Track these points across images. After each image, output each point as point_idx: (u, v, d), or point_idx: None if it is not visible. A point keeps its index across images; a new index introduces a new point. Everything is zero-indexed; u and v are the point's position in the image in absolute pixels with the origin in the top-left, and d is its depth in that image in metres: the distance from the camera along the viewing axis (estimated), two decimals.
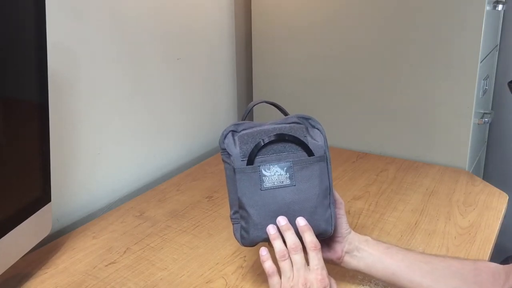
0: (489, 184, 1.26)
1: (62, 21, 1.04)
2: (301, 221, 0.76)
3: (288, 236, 0.75)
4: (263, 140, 0.76)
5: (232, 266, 0.95)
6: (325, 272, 0.74)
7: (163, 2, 1.30)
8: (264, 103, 0.84)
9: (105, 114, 1.18)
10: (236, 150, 0.77)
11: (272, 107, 0.86)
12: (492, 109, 1.70)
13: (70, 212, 1.13)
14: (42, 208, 0.88)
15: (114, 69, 1.19)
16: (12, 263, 0.83)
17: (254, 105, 0.83)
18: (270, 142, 0.76)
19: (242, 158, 0.76)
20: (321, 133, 0.80)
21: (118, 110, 1.22)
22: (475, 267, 0.77)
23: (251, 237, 0.78)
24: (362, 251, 0.81)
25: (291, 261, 0.74)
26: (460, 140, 1.35)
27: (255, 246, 1.00)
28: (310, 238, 0.74)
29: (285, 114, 0.85)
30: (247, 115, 0.83)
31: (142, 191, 1.27)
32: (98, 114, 1.16)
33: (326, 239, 0.81)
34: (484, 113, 1.51)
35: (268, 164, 0.76)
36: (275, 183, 0.76)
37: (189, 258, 0.97)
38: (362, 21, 1.40)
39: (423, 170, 1.35)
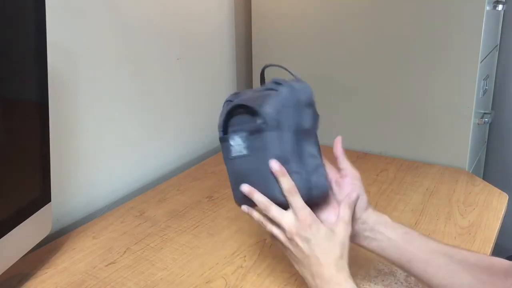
0: (489, 184, 1.26)
1: (62, 21, 1.04)
2: (274, 165, 0.73)
3: (256, 199, 0.76)
4: (222, 112, 0.80)
5: (232, 266, 0.95)
6: (306, 211, 0.73)
7: (163, 2, 1.30)
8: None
9: (105, 114, 1.18)
10: (220, 121, 0.81)
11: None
12: (492, 109, 1.70)
13: (70, 212, 1.13)
14: (42, 208, 0.88)
15: (114, 69, 1.19)
16: (12, 263, 0.83)
17: (264, 69, 0.84)
18: (240, 112, 0.78)
19: (220, 128, 0.81)
20: (279, 98, 0.75)
21: (118, 110, 1.22)
22: (490, 263, 0.75)
23: (235, 200, 0.81)
24: (377, 233, 0.78)
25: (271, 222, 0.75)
26: (460, 140, 1.35)
27: (256, 246, 1.00)
28: (284, 182, 0.73)
29: (294, 76, 0.84)
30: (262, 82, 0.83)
31: (142, 191, 1.27)
32: (98, 114, 1.16)
33: (335, 208, 0.78)
34: (484, 113, 1.51)
35: (233, 134, 0.78)
36: (237, 153, 0.78)
37: (189, 258, 0.97)
38: (362, 21, 1.40)
39: (423, 170, 1.35)
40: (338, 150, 0.82)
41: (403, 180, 1.30)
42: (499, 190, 1.22)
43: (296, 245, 0.73)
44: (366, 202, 0.79)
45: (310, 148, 0.77)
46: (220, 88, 1.57)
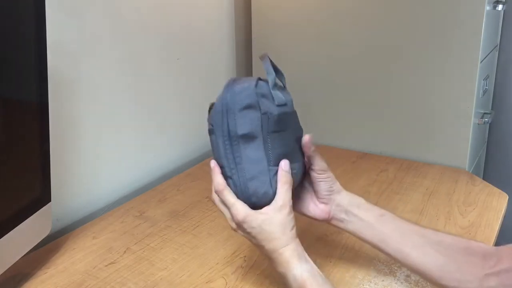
0: (489, 184, 1.26)
1: (62, 21, 1.04)
2: (211, 163, 0.77)
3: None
4: None
5: (232, 266, 0.95)
6: (237, 207, 0.74)
7: (163, 2, 1.30)
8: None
9: (105, 114, 1.18)
10: None
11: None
12: (492, 109, 1.70)
13: (70, 212, 1.13)
14: (42, 208, 0.88)
15: (114, 69, 1.19)
16: (12, 263, 0.83)
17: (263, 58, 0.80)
18: None
19: None
20: (217, 103, 0.78)
21: (118, 110, 1.22)
22: (467, 245, 0.76)
23: None
24: (351, 215, 0.80)
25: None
26: (460, 140, 1.35)
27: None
28: (214, 180, 0.76)
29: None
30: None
31: (142, 191, 1.27)
32: (98, 114, 1.16)
33: (312, 197, 0.82)
34: (484, 113, 1.51)
35: None
36: None
37: (189, 258, 0.97)
38: (362, 21, 1.40)
39: (423, 170, 1.35)
40: (307, 148, 0.81)
41: (403, 180, 1.30)
42: (499, 190, 1.22)
43: (243, 236, 0.76)
44: (338, 186, 0.82)
45: (251, 154, 0.74)
46: (220, 88, 1.56)
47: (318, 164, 0.81)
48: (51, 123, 0.87)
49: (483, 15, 1.26)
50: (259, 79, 0.77)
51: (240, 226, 0.75)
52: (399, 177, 1.31)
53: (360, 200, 0.82)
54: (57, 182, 1.01)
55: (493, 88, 1.68)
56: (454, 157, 1.37)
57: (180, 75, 1.40)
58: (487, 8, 1.27)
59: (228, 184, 0.76)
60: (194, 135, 1.49)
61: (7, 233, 0.79)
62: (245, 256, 0.97)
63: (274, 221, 0.73)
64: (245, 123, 0.74)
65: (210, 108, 0.78)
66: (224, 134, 0.75)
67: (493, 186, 1.24)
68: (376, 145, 1.47)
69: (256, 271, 0.92)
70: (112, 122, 1.21)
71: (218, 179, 0.76)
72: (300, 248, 0.74)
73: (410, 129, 1.41)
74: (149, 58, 1.29)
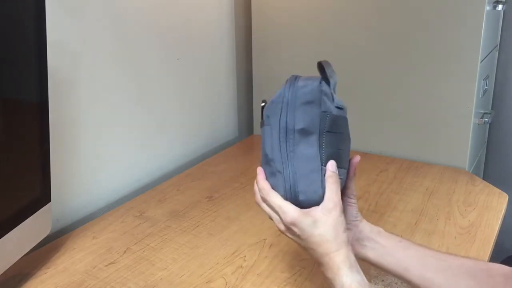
0: (489, 184, 1.26)
1: (62, 21, 1.04)
2: (258, 169, 0.75)
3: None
4: None
5: (232, 266, 0.95)
6: (285, 209, 0.71)
7: (163, 2, 1.30)
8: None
9: (105, 114, 1.18)
10: None
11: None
12: (492, 109, 1.70)
13: (70, 212, 1.13)
14: (42, 208, 0.88)
15: (114, 69, 1.19)
16: (12, 263, 0.83)
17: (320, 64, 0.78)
18: None
19: None
20: (274, 96, 0.75)
21: (118, 110, 1.22)
22: (487, 267, 0.76)
23: None
24: (373, 242, 0.79)
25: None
26: (460, 140, 1.35)
27: (256, 246, 1.00)
28: (259, 184, 0.75)
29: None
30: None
31: (142, 191, 1.27)
32: (98, 114, 1.16)
33: None
34: (484, 113, 1.51)
35: None
36: None
37: (189, 258, 0.97)
38: (362, 21, 1.40)
39: (423, 170, 1.35)
40: (354, 169, 0.81)
41: (403, 180, 1.30)
42: (499, 190, 1.22)
43: (292, 239, 0.74)
44: (360, 215, 0.81)
45: (305, 150, 0.72)
46: (219, 88, 1.57)
47: (352, 188, 0.81)
48: (51, 123, 0.87)
49: (483, 15, 1.26)
50: (322, 79, 0.76)
51: (289, 229, 0.72)
52: (399, 177, 1.31)
53: (379, 228, 0.81)
54: (57, 182, 1.01)
55: (493, 88, 1.68)
56: (454, 157, 1.37)
57: (180, 75, 1.40)
58: (487, 8, 1.27)
59: (277, 180, 0.73)
60: (194, 135, 1.49)
61: (7, 233, 0.79)
62: (245, 256, 0.97)
63: (325, 223, 0.70)
64: (304, 118, 0.72)
65: (263, 103, 0.77)
66: (282, 126, 0.73)
67: (493, 186, 1.24)
68: (376, 145, 1.47)
69: (256, 271, 0.92)
70: (112, 122, 1.21)
71: (262, 184, 0.73)
72: (352, 257, 0.71)
73: (410, 129, 1.41)
74: (149, 58, 1.29)
